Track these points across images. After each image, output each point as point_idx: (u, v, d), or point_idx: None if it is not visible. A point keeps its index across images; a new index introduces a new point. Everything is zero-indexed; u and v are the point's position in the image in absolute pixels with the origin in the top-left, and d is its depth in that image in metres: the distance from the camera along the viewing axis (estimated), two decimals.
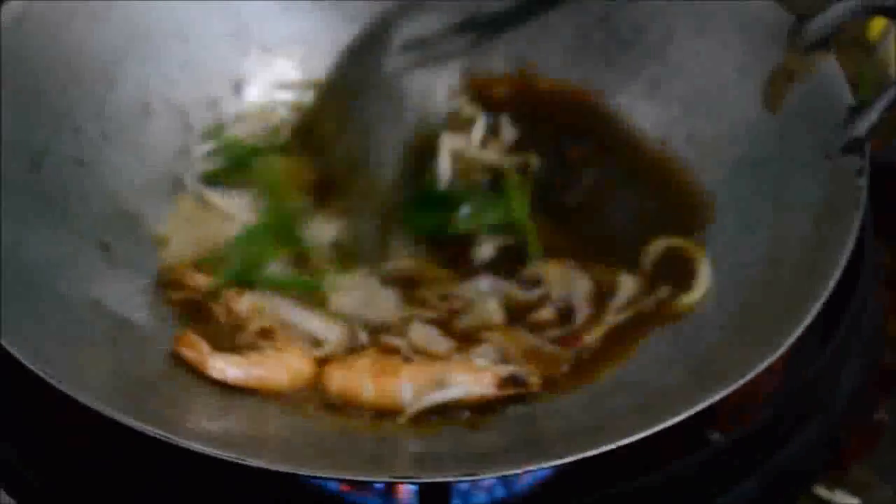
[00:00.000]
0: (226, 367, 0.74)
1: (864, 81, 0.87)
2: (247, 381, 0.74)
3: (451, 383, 0.74)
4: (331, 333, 0.78)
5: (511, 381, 0.75)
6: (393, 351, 0.77)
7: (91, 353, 0.74)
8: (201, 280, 0.80)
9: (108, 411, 0.65)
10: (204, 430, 0.70)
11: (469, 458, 0.71)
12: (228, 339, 0.77)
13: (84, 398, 0.65)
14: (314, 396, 0.75)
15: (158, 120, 0.88)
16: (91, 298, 0.77)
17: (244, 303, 0.78)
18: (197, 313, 0.79)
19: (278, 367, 0.75)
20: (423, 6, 0.86)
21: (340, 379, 0.75)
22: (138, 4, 0.88)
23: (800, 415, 0.74)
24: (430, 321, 0.79)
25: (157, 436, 0.64)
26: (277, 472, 0.64)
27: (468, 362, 0.76)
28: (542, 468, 0.67)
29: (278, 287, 0.80)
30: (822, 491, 0.87)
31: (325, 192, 0.86)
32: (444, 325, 0.79)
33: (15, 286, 0.72)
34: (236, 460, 0.63)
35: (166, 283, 0.80)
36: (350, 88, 0.87)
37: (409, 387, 0.74)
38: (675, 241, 0.82)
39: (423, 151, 0.85)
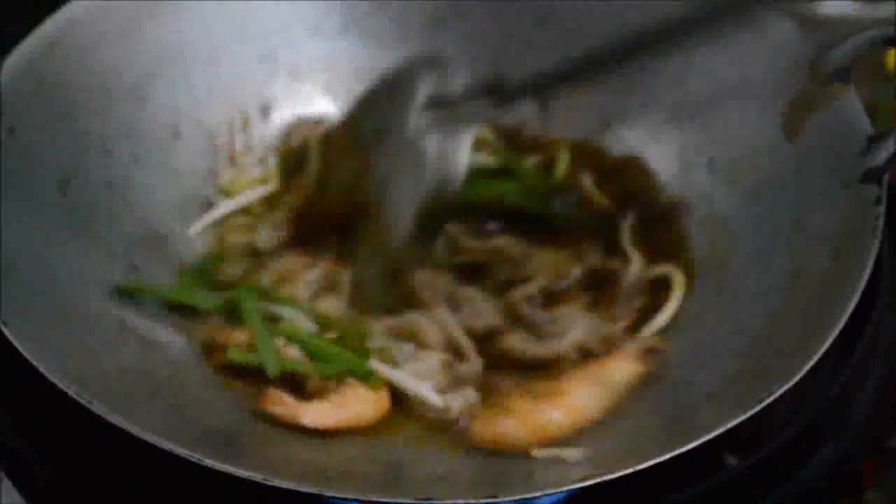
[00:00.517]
0: (320, 416, 0.73)
1: (882, 111, 0.85)
2: (338, 424, 0.73)
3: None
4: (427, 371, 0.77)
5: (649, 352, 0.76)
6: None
7: (116, 368, 0.72)
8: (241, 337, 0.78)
9: (139, 432, 0.64)
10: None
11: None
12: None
13: (116, 420, 0.65)
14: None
15: (187, 142, 0.87)
16: (117, 318, 0.76)
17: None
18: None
19: (362, 404, 0.74)
20: (448, 63, 0.84)
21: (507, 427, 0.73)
22: (169, 28, 0.87)
23: (815, 439, 0.73)
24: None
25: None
26: None
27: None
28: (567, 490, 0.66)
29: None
30: None
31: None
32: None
33: (43, 304, 0.72)
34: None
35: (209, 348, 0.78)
36: (368, 136, 0.85)
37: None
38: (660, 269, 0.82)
39: (436, 213, 0.83)
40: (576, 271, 0.83)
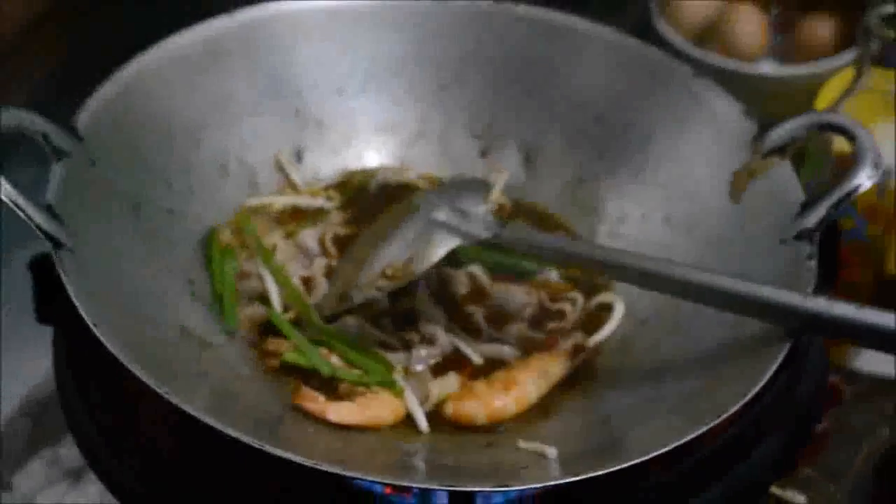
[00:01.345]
0: (344, 414, 0.77)
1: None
2: (360, 422, 0.77)
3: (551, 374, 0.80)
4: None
5: (575, 350, 0.81)
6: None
7: (179, 368, 0.76)
8: (284, 345, 0.82)
9: (201, 415, 0.67)
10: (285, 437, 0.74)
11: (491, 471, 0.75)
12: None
13: (183, 405, 0.68)
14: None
15: (233, 178, 0.90)
16: (179, 324, 0.80)
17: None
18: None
19: (383, 407, 0.78)
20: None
21: (469, 408, 0.78)
22: (220, 82, 0.90)
23: (760, 430, 0.75)
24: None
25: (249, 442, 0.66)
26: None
27: (532, 358, 0.82)
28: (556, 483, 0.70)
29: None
30: (776, 490, 0.92)
31: None
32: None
33: (123, 320, 0.74)
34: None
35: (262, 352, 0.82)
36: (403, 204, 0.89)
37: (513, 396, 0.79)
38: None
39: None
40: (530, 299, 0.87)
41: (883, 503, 0.98)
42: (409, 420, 0.79)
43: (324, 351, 0.81)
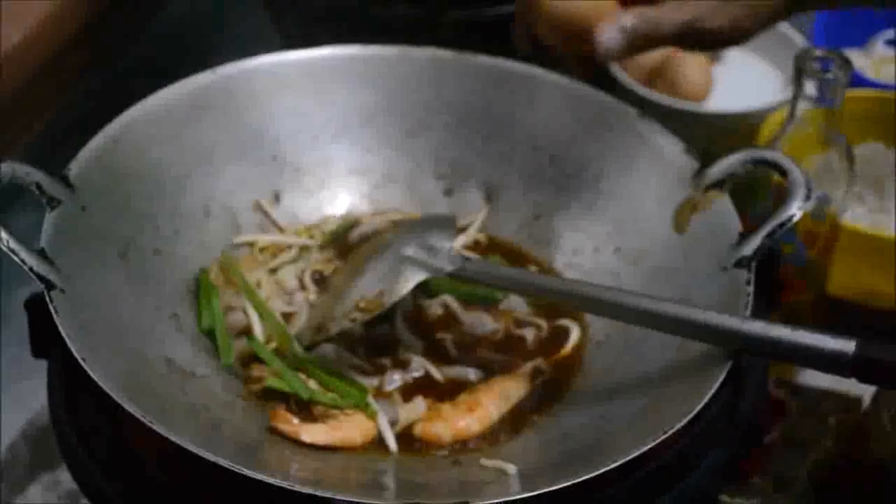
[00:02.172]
0: (316, 435, 0.77)
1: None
2: (331, 442, 0.78)
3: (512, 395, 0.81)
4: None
5: (534, 372, 0.82)
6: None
7: (165, 398, 0.76)
8: (266, 372, 0.82)
9: (184, 442, 0.68)
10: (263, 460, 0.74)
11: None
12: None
13: (167, 433, 0.68)
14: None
15: (215, 219, 0.90)
16: (164, 356, 0.80)
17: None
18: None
19: (354, 428, 0.79)
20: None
21: (435, 428, 0.79)
22: (205, 132, 0.90)
23: (705, 445, 0.76)
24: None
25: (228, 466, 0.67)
26: None
27: (494, 381, 0.83)
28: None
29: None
30: (725, 498, 0.92)
31: None
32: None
33: (110, 353, 0.75)
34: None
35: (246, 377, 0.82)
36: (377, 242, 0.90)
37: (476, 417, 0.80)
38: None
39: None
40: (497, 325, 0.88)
41: None
42: (379, 440, 0.80)
43: (302, 376, 0.81)
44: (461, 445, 0.79)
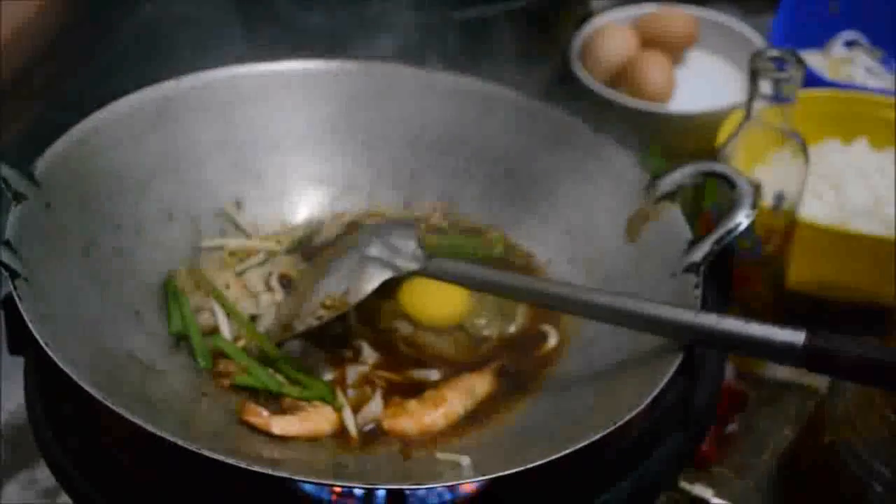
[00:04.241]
0: (286, 427, 0.78)
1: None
2: (300, 433, 0.78)
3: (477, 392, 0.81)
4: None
5: (501, 370, 0.83)
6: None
7: (127, 387, 0.76)
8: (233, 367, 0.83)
9: (144, 423, 0.68)
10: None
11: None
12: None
13: (129, 416, 0.68)
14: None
15: (178, 223, 0.90)
16: (126, 349, 0.80)
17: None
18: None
19: (321, 419, 0.79)
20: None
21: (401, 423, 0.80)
22: (168, 138, 0.90)
23: (662, 431, 0.77)
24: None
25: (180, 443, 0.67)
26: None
27: (460, 378, 0.83)
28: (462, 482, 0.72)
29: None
30: (685, 485, 0.93)
31: None
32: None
33: (73, 341, 0.75)
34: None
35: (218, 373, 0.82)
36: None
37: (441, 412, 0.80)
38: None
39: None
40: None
41: (786, 496, 1.00)
42: (345, 432, 0.80)
43: (270, 371, 0.82)
44: (424, 439, 0.80)
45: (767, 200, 1.00)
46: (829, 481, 0.94)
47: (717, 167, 0.88)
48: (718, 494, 0.95)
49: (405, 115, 0.96)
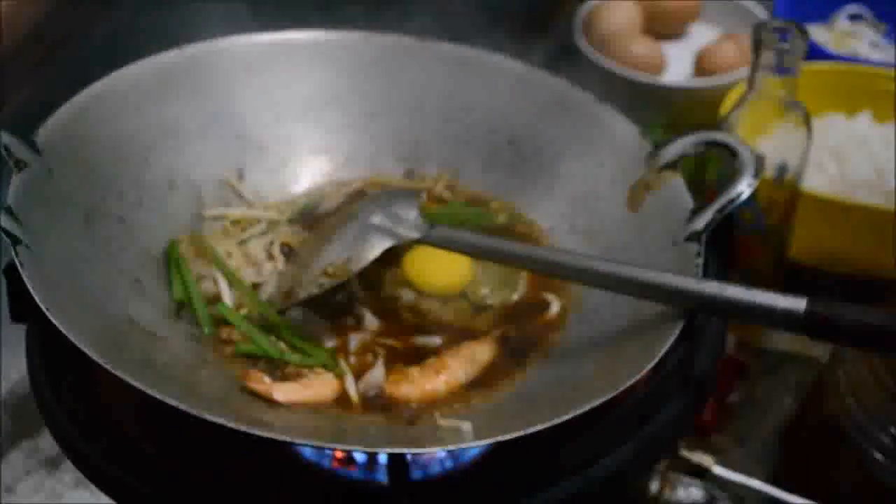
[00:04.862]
0: (288, 393, 0.77)
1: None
2: (302, 400, 0.78)
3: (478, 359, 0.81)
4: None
5: (504, 338, 0.82)
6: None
7: (127, 353, 0.76)
8: (235, 335, 0.82)
9: (145, 387, 0.68)
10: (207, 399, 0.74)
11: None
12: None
13: (130, 379, 0.68)
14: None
15: (179, 192, 0.90)
16: (127, 315, 0.80)
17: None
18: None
19: (323, 386, 0.79)
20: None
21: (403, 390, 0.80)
22: (169, 107, 0.90)
23: (664, 395, 0.77)
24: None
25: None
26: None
27: (461, 346, 0.83)
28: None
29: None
30: (685, 452, 0.93)
31: None
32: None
33: (74, 307, 0.75)
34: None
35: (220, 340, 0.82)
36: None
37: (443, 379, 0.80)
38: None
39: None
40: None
41: (786, 465, 0.99)
42: (347, 399, 0.80)
43: (272, 338, 0.82)
44: (426, 405, 0.79)
45: (770, 172, 0.99)
46: (830, 450, 0.94)
47: (719, 136, 0.87)
48: (719, 462, 0.95)
49: (407, 86, 0.96)
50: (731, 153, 0.85)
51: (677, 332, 0.75)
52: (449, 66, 0.96)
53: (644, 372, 0.72)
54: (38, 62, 1.04)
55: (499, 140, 0.95)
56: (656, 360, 0.73)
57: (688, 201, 0.85)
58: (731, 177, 0.83)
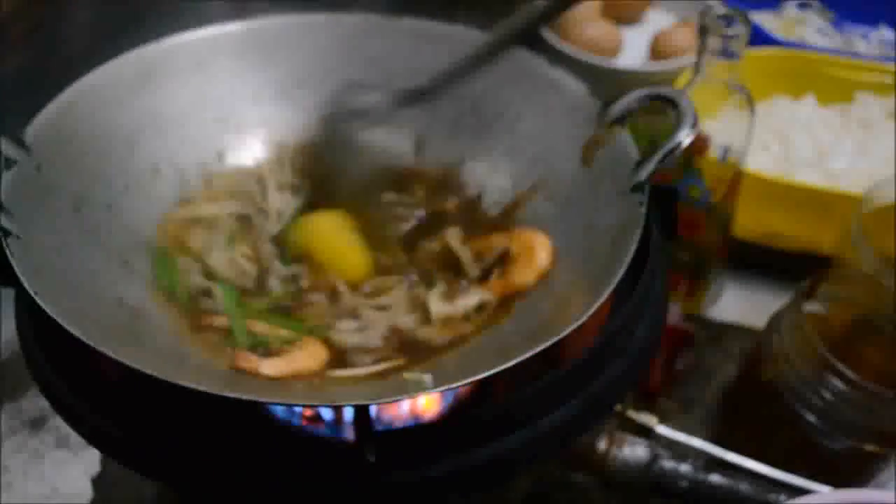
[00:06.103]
0: (275, 368, 0.81)
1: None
2: (289, 372, 0.82)
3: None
4: None
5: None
6: None
7: (116, 331, 0.80)
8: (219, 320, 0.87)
9: (131, 362, 0.72)
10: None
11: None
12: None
13: (121, 358, 0.72)
14: None
15: (164, 177, 0.94)
16: (116, 297, 0.84)
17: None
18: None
19: (308, 357, 0.83)
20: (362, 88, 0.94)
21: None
22: (151, 97, 0.95)
23: (608, 357, 0.80)
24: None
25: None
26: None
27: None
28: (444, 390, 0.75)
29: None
30: (632, 413, 0.97)
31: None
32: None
33: (65, 289, 0.80)
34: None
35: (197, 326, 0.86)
36: (329, 144, 0.96)
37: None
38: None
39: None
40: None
41: (726, 426, 1.03)
42: (329, 364, 0.84)
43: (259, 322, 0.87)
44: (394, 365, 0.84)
45: (715, 152, 1.02)
46: (767, 412, 0.97)
47: (662, 90, 0.89)
48: (663, 422, 0.97)
49: (375, 61, 1.00)
50: (673, 105, 0.87)
51: (616, 280, 0.78)
52: (414, 40, 1.00)
53: (585, 317, 0.75)
54: (13, 59, 1.07)
55: (462, 107, 0.99)
56: (596, 306, 0.75)
57: (633, 154, 0.87)
58: (672, 129, 0.86)
